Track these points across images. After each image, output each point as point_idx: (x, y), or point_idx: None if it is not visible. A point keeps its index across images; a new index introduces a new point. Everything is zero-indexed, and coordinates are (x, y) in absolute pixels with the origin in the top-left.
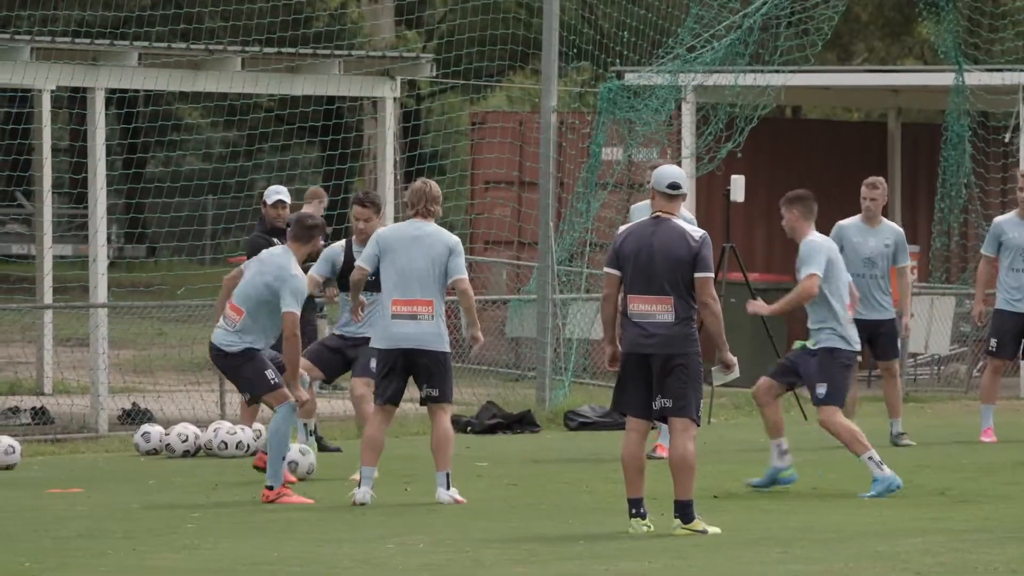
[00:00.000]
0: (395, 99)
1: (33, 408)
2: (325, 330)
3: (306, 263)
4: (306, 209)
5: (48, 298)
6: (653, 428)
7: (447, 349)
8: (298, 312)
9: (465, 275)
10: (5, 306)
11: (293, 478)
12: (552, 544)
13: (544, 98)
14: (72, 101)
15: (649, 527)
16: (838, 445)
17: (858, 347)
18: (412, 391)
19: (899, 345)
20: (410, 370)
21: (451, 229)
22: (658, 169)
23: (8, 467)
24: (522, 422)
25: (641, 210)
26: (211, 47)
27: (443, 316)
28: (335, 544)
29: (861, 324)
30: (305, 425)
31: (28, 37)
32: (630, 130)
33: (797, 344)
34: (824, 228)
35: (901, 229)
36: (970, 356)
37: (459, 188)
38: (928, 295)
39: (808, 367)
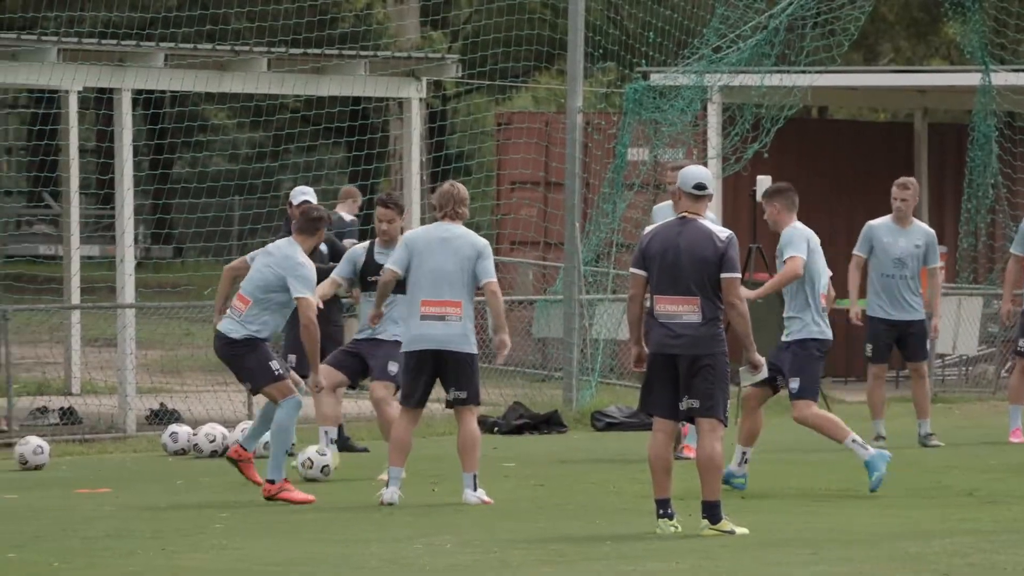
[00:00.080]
0: (421, 100)
1: (61, 408)
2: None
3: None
4: (339, 208)
5: (76, 299)
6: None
7: (474, 351)
8: (311, 297)
9: (494, 278)
10: (33, 307)
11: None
12: (579, 545)
13: (570, 98)
14: (99, 102)
15: (676, 528)
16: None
17: (830, 336)
18: (439, 391)
19: (928, 346)
20: (437, 371)
21: (477, 230)
22: (684, 170)
23: (37, 467)
24: (549, 423)
25: (663, 211)
26: (237, 48)
27: (472, 318)
28: (363, 544)
29: (891, 324)
30: (327, 433)
31: (55, 38)
32: (656, 130)
33: None
34: (851, 228)
35: (932, 230)
36: (998, 357)
37: (485, 189)
38: (956, 296)
39: (781, 361)
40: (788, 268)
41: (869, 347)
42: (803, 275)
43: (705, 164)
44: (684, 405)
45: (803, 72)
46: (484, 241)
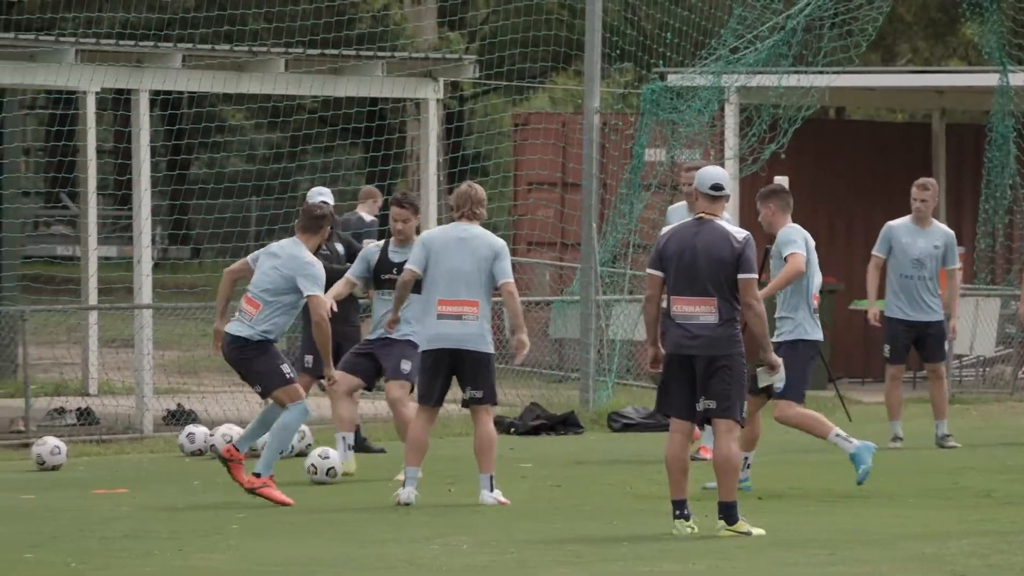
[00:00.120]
0: (438, 100)
1: (78, 409)
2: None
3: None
4: (360, 209)
5: (93, 299)
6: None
7: (491, 350)
8: (322, 294)
9: (511, 279)
10: (51, 307)
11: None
12: (596, 545)
13: (587, 99)
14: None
15: (693, 528)
16: (881, 447)
17: (820, 337)
18: (455, 392)
19: (946, 347)
20: (454, 370)
21: (494, 230)
22: (701, 170)
23: (54, 468)
24: (566, 423)
25: (677, 211)
26: (255, 49)
27: (488, 318)
28: (380, 544)
29: (909, 325)
30: (344, 439)
31: (73, 39)
32: (673, 131)
33: None
34: (869, 228)
35: (951, 231)
36: (1015, 357)
37: (502, 189)
38: (973, 296)
39: None
40: (791, 265)
41: (887, 348)
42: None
43: (722, 165)
44: (701, 406)
45: (821, 73)
46: (501, 242)
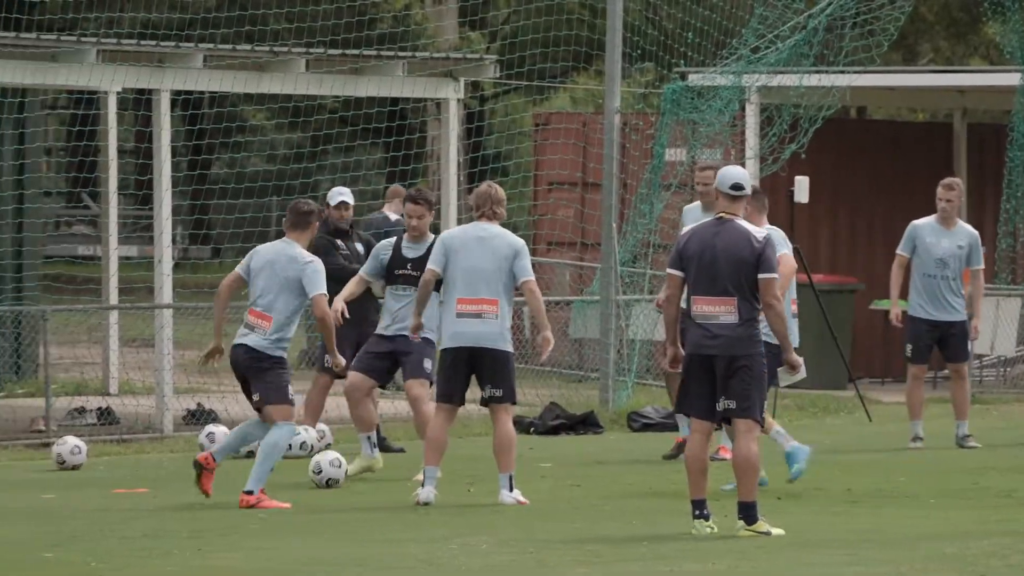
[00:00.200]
0: (459, 100)
1: (99, 408)
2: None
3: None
4: (386, 208)
5: (114, 299)
6: (718, 429)
7: (510, 349)
8: (325, 292)
9: (532, 276)
10: (72, 307)
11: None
12: (616, 545)
13: (607, 99)
14: (138, 103)
15: (712, 528)
16: (901, 447)
17: (798, 340)
18: (474, 391)
19: (969, 347)
20: (473, 368)
21: (514, 230)
22: (722, 170)
23: (74, 467)
24: (585, 423)
25: (692, 212)
26: (276, 49)
27: (508, 317)
28: (398, 544)
29: (932, 325)
30: (369, 438)
31: (94, 39)
32: (694, 131)
33: None
34: (890, 228)
35: (976, 232)
36: None
37: (522, 189)
38: (994, 296)
39: None
40: (786, 266)
41: (909, 347)
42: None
43: (743, 165)
44: (721, 406)
45: (842, 72)
46: (521, 241)
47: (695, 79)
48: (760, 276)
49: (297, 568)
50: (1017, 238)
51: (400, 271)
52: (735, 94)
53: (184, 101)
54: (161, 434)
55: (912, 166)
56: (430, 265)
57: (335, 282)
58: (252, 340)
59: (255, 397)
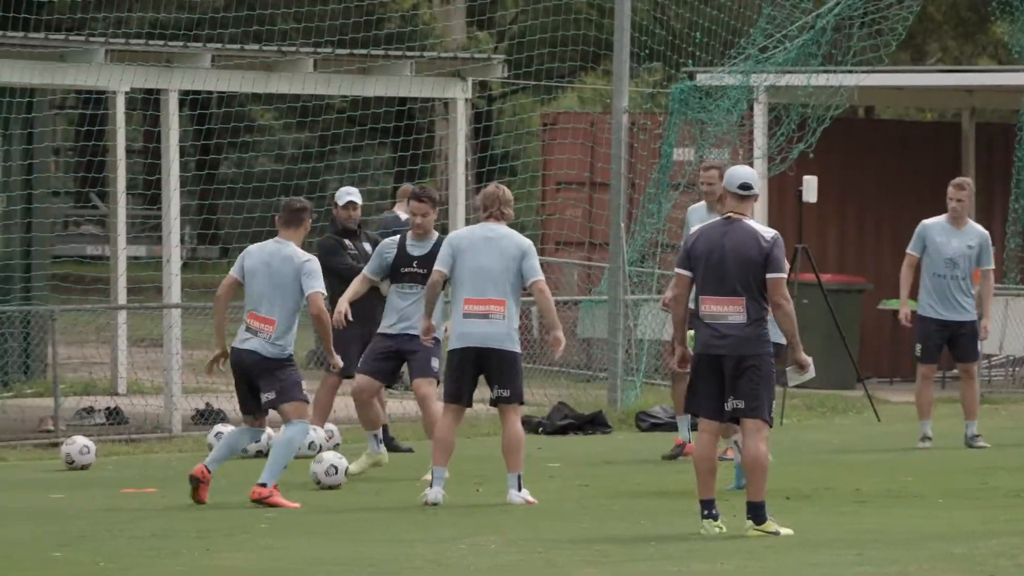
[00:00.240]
0: (466, 100)
1: (107, 408)
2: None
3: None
4: (397, 208)
5: (122, 299)
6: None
7: (518, 350)
8: (322, 290)
9: (542, 276)
10: (80, 307)
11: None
12: (624, 545)
13: (615, 99)
14: (146, 103)
15: (721, 528)
16: (909, 447)
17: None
18: (482, 391)
19: (979, 347)
20: (481, 369)
21: (522, 230)
22: (730, 170)
23: (83, 467)
24: (594, 423)
25: (697, 212)
26: (284, 49)
27: (516, 318)
28: (407, 544)
29: (942, 325)
30: (376, 436)
31: (103, 39)
32: (702, 131)
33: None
34: (898, 228)
35: (986, 232)
36: None
37: (530, 189)
38: (1003, 296)
39: None
40: None
41: (919, 347)
42: None
43: (751, 164)
44: (729, 406)
45: (850, 72)
46: (528, 241)
47: (703, 79)
48: (768, 276)
49: (305, 568)
50: None
51: (406, 269)
52: (743, 94)
53: (192, 101)
54: (170, 434)
55: (920, 166)
56: (437, 266)
57: (343, 282)
58: (256, 344)
59: (268, 397)
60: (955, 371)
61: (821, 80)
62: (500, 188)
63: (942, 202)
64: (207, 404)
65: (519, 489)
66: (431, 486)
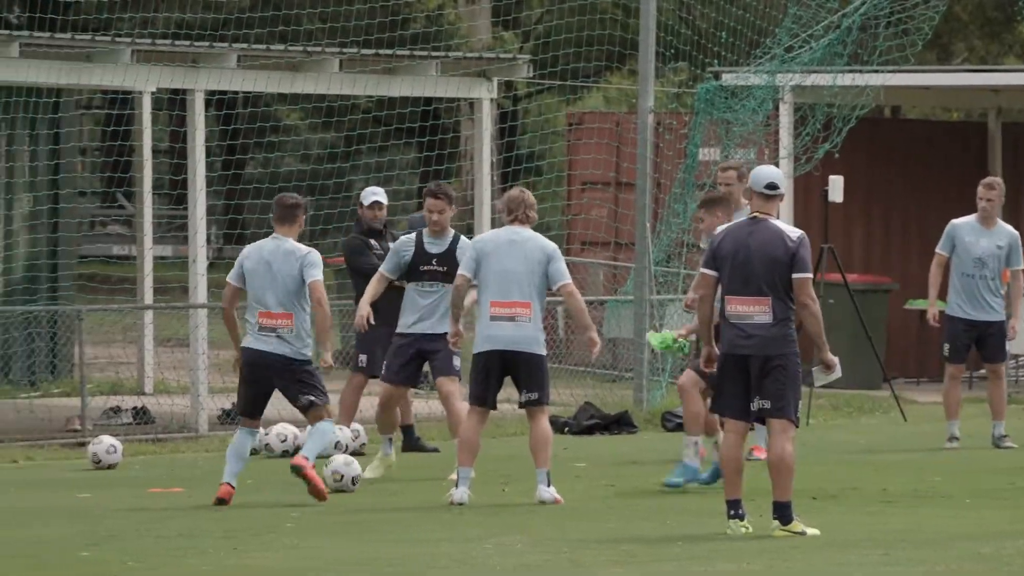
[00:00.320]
0: (492, 100)
1: (134, 408)
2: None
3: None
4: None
5: (148, 299)
6: (751, 429)
7: (544, 352)
8: (322, 279)
9: (570, 279)
10: (107, 307)
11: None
12: (650, 545)
13: (641, 98)
14: (172, 103)
15: (747, 528)
16: (936, 447)
17: None
18: (507, 391)
19: (1007, 347)
20: (507, 371)
21: (548, 230)
22: (756, 169)
23: (110, 466)
24: (620, 423)
25: None
26: (309, 49)
27: (541, 321)
28: (433, 544)
29: (970, 325)
30: (391, 440)
31: (129, 39)
32: (727, 130)
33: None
34: (924, 227)
35: (1016, 232)
36: None
37: (556, 189)
38: None
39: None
40: None
41: (947, 347)
42: None
43: (776, 164)
44: (755, 406)
45: (876, 71)
46: (553, 244)
47: (729, 78)
48: (794, 276)
49: (331, 567)
50: None
51: (425, 267)
52: (769, 93)
53: (218, 101)
54: (196, 433)
55: (947, 166)
56: (461, 271)
57: (368, 280)
58: (277, 346)
59: (306, 399)
60: (983, 371)
61: (847, 80)
62: (524, 192)
63: (968, 202)
64: (233, 404)
65: (548, 484)
66: (457, 486)
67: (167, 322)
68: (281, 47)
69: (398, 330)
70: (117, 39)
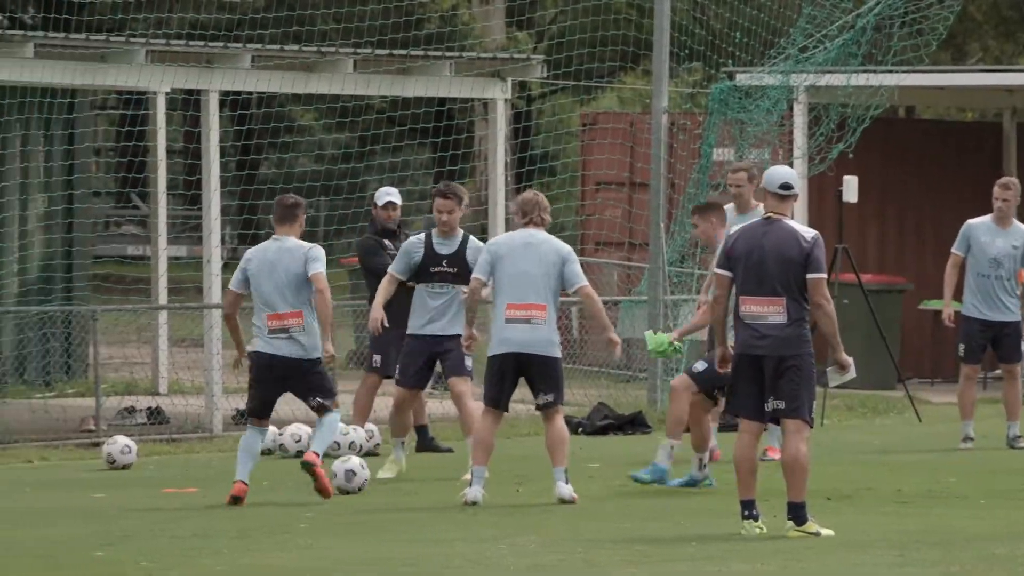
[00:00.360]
0: (506, 100)
1: (149, 408)
2: None
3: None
4: None
5: (163, 299)
6: (765, 430)
7: (559, 355)
8: (324, 272)
9: (586, 282)
10: (121, 307)
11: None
12: (663, 545)
13: (655, 99)
14: (186, 103)
15: (762, 529)
16: (951, 447)
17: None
18: (521, 392)
19: (1022, 348)
20: (521, 373)
21: (561, 230)
22: (769, 170)
23: (124, 466)
24: (633, 423)
25: (727, 213)
26: (323, 49)
27: (555, 323)
28: (447, 544)
29: (986, 325)
30: (403, 443)
31: (143, 40)
32: (741, 131)
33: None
34: (939, 228)
35: None
36: None
37: (570, 189)
38: None
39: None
40: None
41: (962, 347)
42: None
43: (791, 164)
44: (770, 406)
45: (890, 72)
46: (568, 247)
47: (743, 79)
48: (809, 276)
49: (345, 567)
50: None
51: (435, 268)
52: (783, 94)
53: (232, 101)
54: (210, 434)
55: (961, 166)
56: (476, 274)
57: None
58: (288, 347)
59: (315, 402)
60: (997, 371)
61: (861, 80)
62: (538, 195)
63: (983, 202)
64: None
65: (566, 482)
66: (471, 485)
67: (181, 322)
68: (295, 47)
69: (409, 331)
70: (131, 39)
